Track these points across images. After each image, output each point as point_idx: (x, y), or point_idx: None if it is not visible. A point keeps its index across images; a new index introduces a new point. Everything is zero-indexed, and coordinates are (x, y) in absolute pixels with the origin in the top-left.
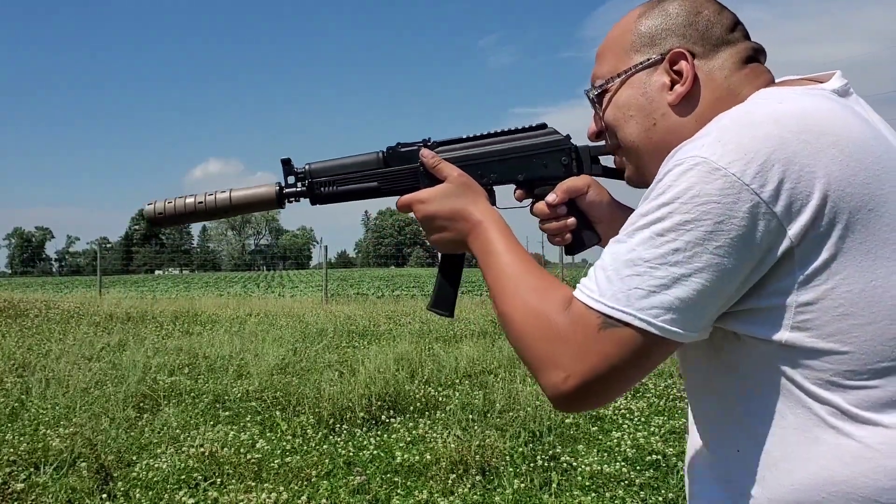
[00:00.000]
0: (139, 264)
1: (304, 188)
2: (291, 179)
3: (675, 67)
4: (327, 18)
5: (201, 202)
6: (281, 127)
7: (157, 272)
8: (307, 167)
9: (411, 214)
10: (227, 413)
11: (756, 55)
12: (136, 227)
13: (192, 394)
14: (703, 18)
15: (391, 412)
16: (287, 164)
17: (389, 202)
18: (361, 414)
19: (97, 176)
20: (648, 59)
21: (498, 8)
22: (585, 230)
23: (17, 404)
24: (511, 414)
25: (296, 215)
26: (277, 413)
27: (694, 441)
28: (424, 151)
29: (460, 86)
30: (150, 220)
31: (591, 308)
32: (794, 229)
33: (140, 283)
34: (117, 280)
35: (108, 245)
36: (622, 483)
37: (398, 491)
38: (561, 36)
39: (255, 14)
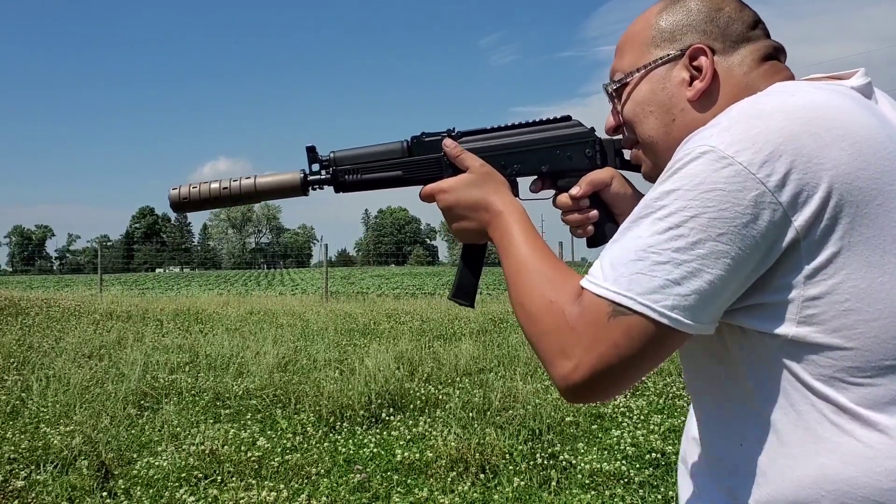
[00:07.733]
0: (140, 262)
1: (329, 176)
2: (316, 167)
3: (694, 63)
4: (330, 19)
5: (226, 188)
6: (286, 126)
7: (157, 270)
8: (332, 155)
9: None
10: (227, 411)
11: (776, 53)
12: (137, 225)
13: (192, 392)
14: (723, 15)
15: (391, 410)
16: (312, 152)
17: (393, 200)
18: (362, 412)
19: (98, 174)
20: (668, 55)
21: (499, 8)
22: (608, 223)
23: (17, 402)
24: (511, 412)
25: (296, 214)
26: (278, 411)
27: (692, 436)
28: (447, 141)
29: (461, 85)
30: (173, 205)
31: (598, 296)
32: (799, 220)
33: (140, 281)
34: (118, 278)
35: (109, 243)
36: (621, 481)
37: (398, 489)
38: (562, 36)
39: (259, 15)
